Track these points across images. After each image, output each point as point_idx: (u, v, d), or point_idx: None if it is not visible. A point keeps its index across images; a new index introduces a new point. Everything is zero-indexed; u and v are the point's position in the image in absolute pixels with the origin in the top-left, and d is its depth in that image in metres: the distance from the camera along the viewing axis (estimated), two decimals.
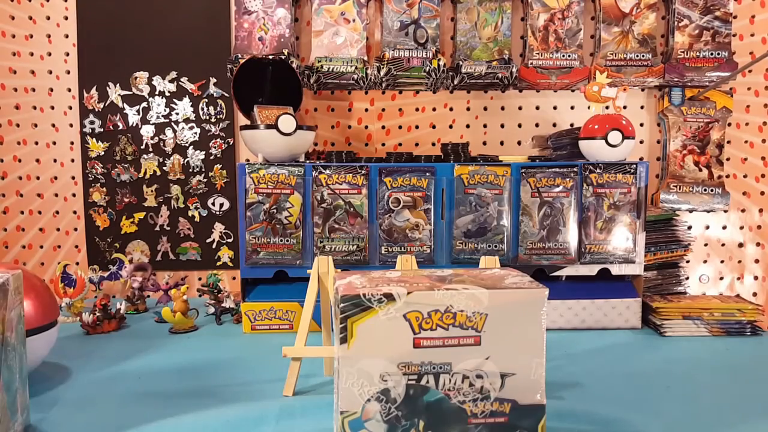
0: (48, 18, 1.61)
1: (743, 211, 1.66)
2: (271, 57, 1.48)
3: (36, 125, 1.64)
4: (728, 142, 1.64)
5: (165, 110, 1.63)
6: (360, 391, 0.48)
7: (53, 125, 1.64)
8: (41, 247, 1.67)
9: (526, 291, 0.46)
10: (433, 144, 1.68)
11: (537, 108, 1.67)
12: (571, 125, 1.63)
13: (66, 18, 1.61)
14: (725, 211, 1.65)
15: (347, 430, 0.46)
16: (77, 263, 1.66)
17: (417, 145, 1.68)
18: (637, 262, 1.33)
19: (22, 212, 1.66)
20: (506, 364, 0.47)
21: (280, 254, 1.31)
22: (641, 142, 1.66)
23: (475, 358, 0.47)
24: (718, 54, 1.56)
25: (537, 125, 1.67)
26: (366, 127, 1.68)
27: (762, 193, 1.65)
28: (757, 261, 1.67)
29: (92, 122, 1.62)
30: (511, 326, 0.47)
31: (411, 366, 0.45)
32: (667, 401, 0.94)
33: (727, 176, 1.64)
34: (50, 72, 1.63)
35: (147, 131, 1.63)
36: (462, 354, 0.46)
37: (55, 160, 1.65)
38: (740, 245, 1.67)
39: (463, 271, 0.55)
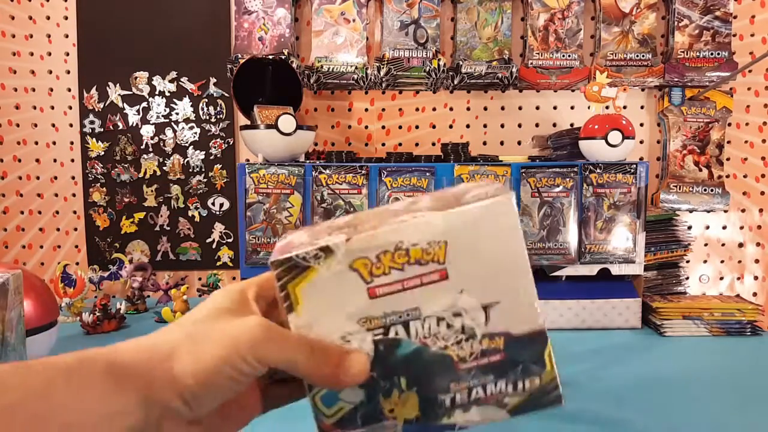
0: (48, 18, 1.61)
1: (743, 211, 1.66)
2: (271, 57, 1.48)
3: (36, 125, 1.64)
4: (728, 142, 1.64)
5: (165, 110, 1.63)
6: None
7: (53, 125, 1.64)
8: (41, 247, 1.67)
9: (486, 204, 0.37)
10: (433, 144, 1.68)
11: (537, 108, 1.67)
12: (571, 125, 1.63)
13: (66, 18, 1.61)
14: (725, 211, 1.65)
15: (321, 407, 0.39)
16: (77, 263, 1.66)
17: (417, 145, 1.68)
18: (637, 262, 1.33)
19: (22, 212, 1.66)
20: (486, 293, 0.38)
21: None
22: (641, 142, 1.66)
23: (447, 295, 0.38)
24: (718, 54, 1.56)
25: (537, 125, 1.67)
26: (366, 127, 1.68)
27: (762, 193, 1.65)
28: (757, 261, 1.67)
29: (92, 122, 1.62)
30: (479, 249, 0.37)
31: (372, 320, 0.38)
32: (667, 401, 0.93)
33: (727, 176, 1.64)
34: (50, 72, 1.63)
35: (147, 131, 1.63)
36: (429, 294, 0.38)
37: (55, 160, 1.65)
38: (740, 245, 1.67)
39: (424, 196, 0.45)
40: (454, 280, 0.39)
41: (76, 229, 1.67)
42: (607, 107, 1.36)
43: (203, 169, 1.65)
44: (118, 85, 1.62)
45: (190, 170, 1.65)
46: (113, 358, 0.34)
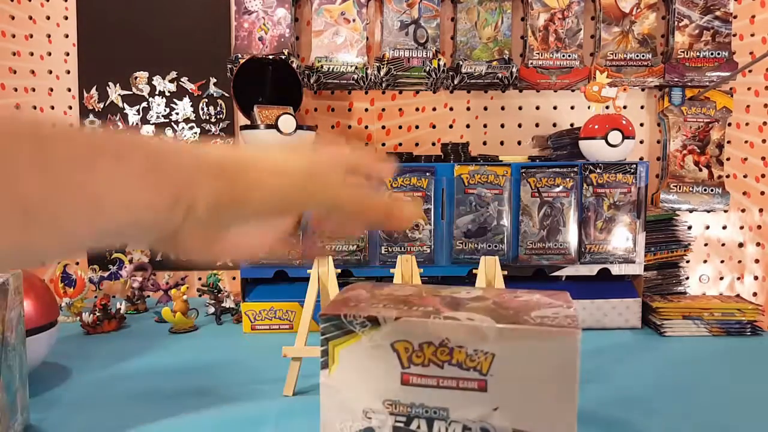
0: (48, 18, 1.61)
1: (743, 211, 1.66)
2: (271, 57, 1.48)
3: None
4: (728, 142, 1.64)
5: (165, 110, 1.63)
6: (341, 426, 0.41)
7: (53, 126, 1.64)
8: None
9: (549, 331, 0.35)
10: (433, 144, 1.68)
11: (537, 108, 1.67)
12: (571, 125, 1.63)
13: (66, 18, 1.61)
14: (725, 211, 1.65)
15: None
16: (77, 263, 1.66)
17: (417, 145, 1.68)
18: (637, 262, 1.33)
19: None
20: (521, 418, 0.37)
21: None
22: (641, 142, 1.66)
23: (480, 406, 0.37)
24: (718, 54, 1.56)
25: (537, 125, 1.67)
26: (366, 127, 1.68)
27: (762, 193, 1.65)
28: (757, 261, 1.67)
29: (92, 122, 1.62)
30: (528, 373, 0.36)
31: (398, 405, 0.37)
32: (667, 401, 0.94)
33: (727, 176, 1.64)
34: (50, 72, 1.63)
35: (147, 131, 1.63)
36: (462, 399, 0.37)
37: None
38: (740, 245, 1.67)
39: (494, 293, 0.43)
40: (491, 395, 0.38)
41: None
42: (607, 107, 1.36)
43: None
44: (118, 85, 1.62)
45: None
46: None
